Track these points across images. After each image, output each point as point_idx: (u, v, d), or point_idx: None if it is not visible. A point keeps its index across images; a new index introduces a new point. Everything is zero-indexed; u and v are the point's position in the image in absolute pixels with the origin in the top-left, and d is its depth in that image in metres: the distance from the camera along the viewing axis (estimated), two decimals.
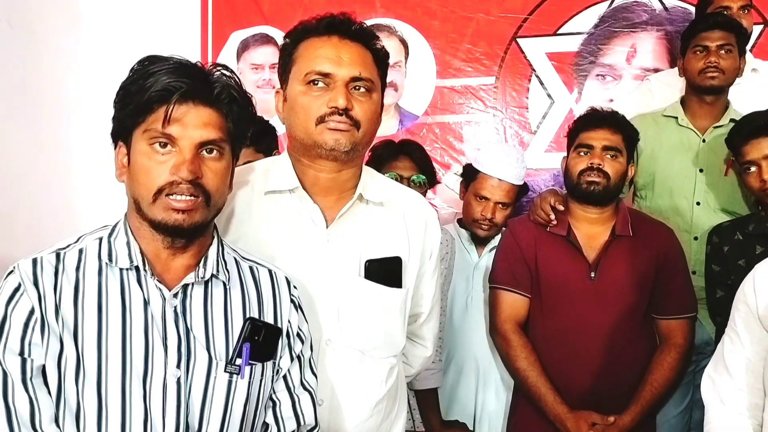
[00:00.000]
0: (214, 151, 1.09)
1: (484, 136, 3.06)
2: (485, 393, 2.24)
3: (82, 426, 1.01)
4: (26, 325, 1.01)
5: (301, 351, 1.23)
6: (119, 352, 1.04)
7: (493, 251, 2.20)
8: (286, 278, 1.23)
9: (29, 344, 1.01)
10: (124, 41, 3.25)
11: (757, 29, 2.70)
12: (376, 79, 1.33)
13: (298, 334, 1.22)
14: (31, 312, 1.02)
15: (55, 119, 3.06)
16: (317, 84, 1.28)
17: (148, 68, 1.06)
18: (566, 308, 1.98)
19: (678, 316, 1.98)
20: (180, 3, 3.36)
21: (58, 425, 1.01)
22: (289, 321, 1.20)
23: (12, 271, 1.05)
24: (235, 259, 1.20)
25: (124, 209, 1.14)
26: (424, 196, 2.18)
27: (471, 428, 2.17)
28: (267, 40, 3.34)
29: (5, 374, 1.00)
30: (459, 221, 2.36)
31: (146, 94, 1.04)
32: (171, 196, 1.05)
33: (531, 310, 2.06)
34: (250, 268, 1.21)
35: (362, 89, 1.29)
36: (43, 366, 1.02)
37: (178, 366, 1.06)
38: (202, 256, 1.13)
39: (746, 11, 2.39)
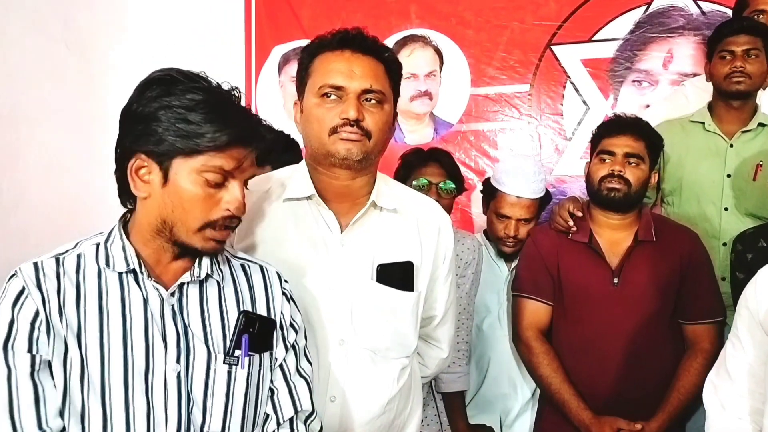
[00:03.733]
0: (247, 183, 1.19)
1: (519, 144, 3.08)
2: (515, 400, 2.27)
3: (87, 426, 1.05)
4: (32, 325, 1.05)
5: (296, 340, 1.27)
6: (120, 350, 1.08)
7: None
8: (277, 273, 1.29)
9: (37, 341, 1.04)
10: (171, 57, 3.39)
11: None
12: (387, 91, 1.38)
13: (291, 324, 1.27)
14: (36, 314, 1.05)
15: (109, 132, 3.20)
16: (330, 96, 1.34)
17: (187, 95, 1.08)
18: (590, 315, 1.99)
19: (704, 321, 1.97)
20: (224, 18, 3.47)
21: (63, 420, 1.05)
22: (282, 312, 1.25)
23: (14, 275, 1.08)
24: (227, 257, 1.26)
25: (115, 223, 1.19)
26: (453, 202, 2.22)
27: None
28: None
29: (9, 370, 1.02)
30: (485, 233, 2.37)
31: (212, 140, 1.08)
32: (215, 229, 1.13)
33: (554, 318, 2.07)
34: (242, 265, 1.26)
35: (373, 101, 1.35)
36: (50, 363, 1.05)
37: (178, 361, 1.11)
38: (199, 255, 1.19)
39: None
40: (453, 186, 2.16)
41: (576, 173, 2.99)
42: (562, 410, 1.97)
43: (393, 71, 1.41)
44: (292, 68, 3.45)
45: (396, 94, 1.43)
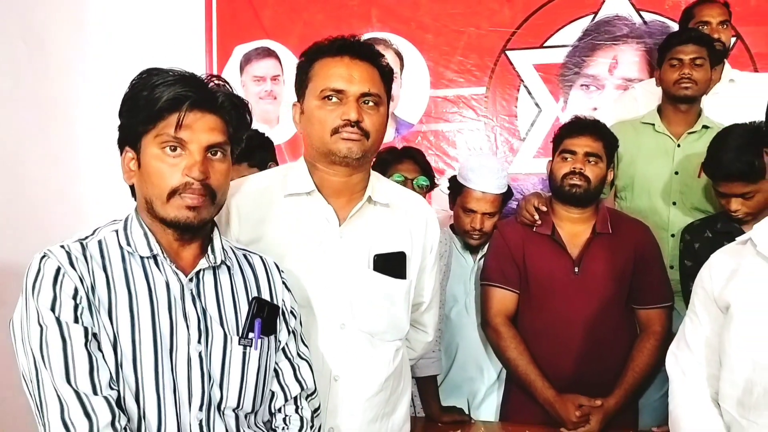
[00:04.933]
0: (218, 153, 1.21)
1: (476, 143, 3.24)
2: (482, 383, 2.41)
3: (123, 401, 1.12)
4: (74, 300, 1.10)
5: (295, 326, 1.37)
6: (150, 330, 1.15)
7: None
8: (275, 263, 1.38)
9: (81, 315, 1.10)
10: (131, 57, 3.40)
11: None
12: (382, 94, 1.50)
13: (291, 312, 1.36)
14: (76, 291, 1.11)
15: (67, 129, 3.20)
16: (332, 99, 1.45)
17: (151, 80, 1.16)
18: (553, 301, 2.15)
19: (655, 305, 2.15)
20: (185, 19, 3.51)
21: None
22: (283, 300, 1.35)
23: (45, 256, 1.13)
24: (231, 248, 1.34)
25: (130, 212, 1.25)
26: (425, 197, 2.34)
27: (468, 413, 2.33)
28: (268, 53, 3.50)
29: (65, 341, 1.08)
30: (452, 227, 2.49)
31: (157, 103, 1.14)
32: (183, 195, 1.16)
33: (520, 305, 2.22)
34: (244, 255, 1.35)
35: (371, 103, 1.46)
36: (96, 336, 1.11)
37: (199, 341, 1.19)
38: (207, 245, 1.26)
39: (725, 26, 2.58)
40: (427, 182, 2.29)
41: (529, 171, 3.18)
42: (528, 390, 2.12)
43: (386, 76, 1.52)
44: (254, 68, 3.52)
45: (389, 97, 1.55)
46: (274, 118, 3.50)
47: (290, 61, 3.44)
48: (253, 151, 2.24)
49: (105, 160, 3.29)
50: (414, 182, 2.25)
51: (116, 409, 1.10)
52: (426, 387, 2.22)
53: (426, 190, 2.31)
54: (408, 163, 2.29)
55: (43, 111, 3.04)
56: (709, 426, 1.34)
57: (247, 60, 3.54)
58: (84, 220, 3.23)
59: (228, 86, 1.26)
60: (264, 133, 2.45)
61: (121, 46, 3.42)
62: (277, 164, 2.47)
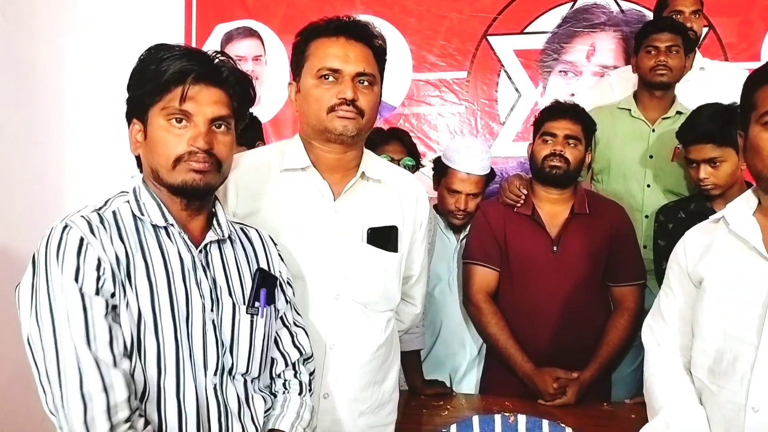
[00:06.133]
0: (223, 126, 1.25)
1: (457, 127, 3.31)
2: (464, 358, 2.49)
3: (144, 367, 1.15)
4: (97, 272, 1.12)
5: (291, 295, 1.44)
6: (167, 298, 1.19)
7: None
8: (269, 236, 1.44)
9: (102, 286, 1.12)
10: (112, 33, 3.38)
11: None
12: (376, 74, 1.56)
13: (288, 282, 1.43)
14: (100, 262, 1.13)
15: (49, 110, 3.18)
16: (328, 78, 1.50)
17: (159, 54, 1.20)
18: (532, 279, 2.24)
19: (629, 283, 2.25)
20: None
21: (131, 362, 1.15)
22: (280, 271, 1.41)
23: (67, 227, 1.13)
24: (230, 222, 1.37)
25: (135, 184, 1.27)
26: None
27: (449, 386, 2.41)
28: (250, 33, 3.51)
29: (86, 313, 1.10)
30: (435, 207, 2.53)
31: (164, 76, 1.18)
32: (189, 161, 1.20)
33: (501, 282, 2.30)
34: (241, 228, 1.40)
35: (366, 83, 1.52)
36: (116, 308, 1.14)
37: (212, 310, 1.24)
38: (211, 218, 1.31)
39: (697, 15, 2.66)
40: (412, 162, 2.35)
41: (508, 155, 3.25)
42: (507, 363, 2.21)
43: (380, 57, 1.59)
44: (235, 47, 3.52)
45: (382, 77, 1.60)
46: (256, 98, 3.51)
47: (273, 41, 3.45)
48: (242, 130, 2.28)
49: (87, 141, 3.30)
50: (400, 162, 2.31)
51: (131, 387, 1.13)
52: (409, 361, 2.29)
53: (411, 171, 2.36)
54: (395, 144, 2.35)
55: (23, 88, 3.01)
56: (681, 392, 1.43)
57: (228, 39, 3.53)
58: (64, 201, 3.22)
59: (233, 62, 1.29)
60: (252, 113, 2.47)
61: (102, 22, 3.40)
62: (264, 143, 2.51)
